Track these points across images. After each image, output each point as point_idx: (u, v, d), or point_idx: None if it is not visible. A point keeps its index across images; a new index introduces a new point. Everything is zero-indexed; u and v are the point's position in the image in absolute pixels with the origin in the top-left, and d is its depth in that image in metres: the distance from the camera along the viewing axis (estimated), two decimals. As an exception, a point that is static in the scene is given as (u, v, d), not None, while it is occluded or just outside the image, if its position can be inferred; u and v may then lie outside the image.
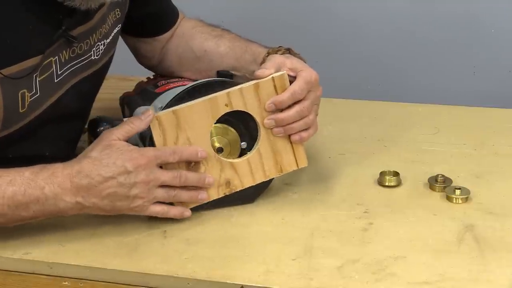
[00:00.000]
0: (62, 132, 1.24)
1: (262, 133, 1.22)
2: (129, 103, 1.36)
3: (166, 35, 1.46)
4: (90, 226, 1.20)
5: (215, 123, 1.21)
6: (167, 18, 1.46)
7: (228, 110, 1.19)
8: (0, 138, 1.19)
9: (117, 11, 1.35)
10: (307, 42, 2.32)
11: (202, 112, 1.18)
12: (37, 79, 1.17)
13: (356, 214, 1.23)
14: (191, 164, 1.19)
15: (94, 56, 1.29)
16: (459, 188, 1.27)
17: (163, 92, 1.32)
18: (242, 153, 1.24)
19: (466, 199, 1.26)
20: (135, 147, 1.15)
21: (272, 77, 1.20)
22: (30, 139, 1.22)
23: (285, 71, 1.21)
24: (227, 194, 1.22)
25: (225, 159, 1.21)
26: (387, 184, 1.31)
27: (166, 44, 1.46)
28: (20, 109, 1.17)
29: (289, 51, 1.32)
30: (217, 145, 1.22)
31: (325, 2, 2.36)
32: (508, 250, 1.13)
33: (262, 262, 1.11)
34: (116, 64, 1.41)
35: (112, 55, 1.38)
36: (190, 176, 1.18)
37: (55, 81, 1.22)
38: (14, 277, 1.13)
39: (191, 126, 1.18)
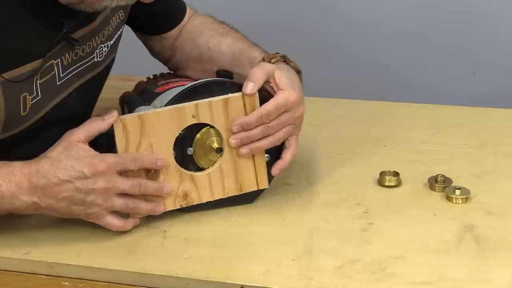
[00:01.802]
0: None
1: (225, 150, 1.21)
2: (129, 103, 1.36)
3: (174, 32, 1.46)
4: (89, 226, 1.19)
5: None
6: (173, 16, 1.46)
7: (194, 121, 1.19)
8: (2, 140, 1.18)
9: (121, 12, 1.34)
10: (307, 42, 2.33)
11: (168, 121, 1.17)
12: (38, 81, 1.17)
13: (356, 214, 1.23)
14: (151, 172, 1.18)
15: (97, 58, 1.29)
16: (459, 188, 1.27)
17: (162, 92, 1.32)
18: None
19: (466, 199, 1.26)
20: (96, 152, 1.14)
21: (243, 93, 1.20)
22: (32, 141, 1.22)
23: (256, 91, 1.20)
24: (183, 206, 1.21)
25: (185, 171, 1.21)
26: (387, 184, 1.31)
27: (176, 41, 1.46)
28: (21, 112, 1.17)
29: (284, 58, 1.31)
30: (216, 145, 1.22)
31: (326, 2, 2.36)
32: (508, 250, 1.13)
33: (262, 262, 1.11)
34: (116, 64, 1.41)
35: (114, 57, 1.38)
36: (150, 185, 1.17)
37: (58, 83, 1.21)
38: (14, 277, 1.13)
39: (155, 133, 1.17)
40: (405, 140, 1.49)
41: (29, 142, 1.22)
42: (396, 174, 1.32)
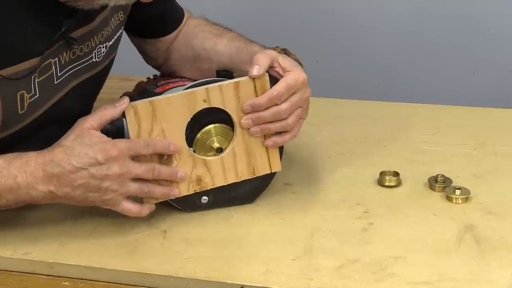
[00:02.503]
0: (63, 133, 1.24)
1: (238, 133, 1.21)
2: (129, 103, 1.36)
3: (170, 36, 1.46)
4: (90, 225, 1.20)
5: (216, 123, 1.21)
6: (171, 20, 1.46)
7: (205, 106, 1.19)
8: (1, 139, 1.19)
9: (120, 13, 1.35)
10: (307, 42, 2.33)
11: (179, 106, 1.18)
12: (36, 80, 1.17)
13: (356, 214, 1.23)
14: (164, 158, 1.18)
15: (95, 59, 1.29)
16: (459, 188, 1.27)
17: (163, 92, 1.32)
18: None
19: (466, 199, 1.26)
20: (108, 138, 1.14)
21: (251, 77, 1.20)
22: (31, 140, 1.22)
23: (266, 73, 1.21)
24: (197, 191, 1.21)
25: (198, 156, 1.21)
26: (387, 184, 1.31)
27: (171, 44, 1.46)
28: (19, 110, 1.17)
29: (285, 51, 1.31)
30: (216, 145, 1.22)
31: (326, 3, 2.36)
32: (508, 250, 1.14)
33: (262, 262, 1.11)
34: (116, 64, 1.41)
35: (113, 58, 1.38)
36: (163, 170, 1.17)
37: (55, 82, 1.22)
38: (14, 277, 1.13)
39: (167, 118, 1.17)
40: (405, 140, 1.49)
41: (28, 141, 1.22)
42: (396, 174, 1.32)
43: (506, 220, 1.21)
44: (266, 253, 1.13)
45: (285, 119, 1.22)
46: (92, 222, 1.21)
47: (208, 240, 1.17)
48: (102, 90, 1.41)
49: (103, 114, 1.15)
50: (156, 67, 1.51)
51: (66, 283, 1.12)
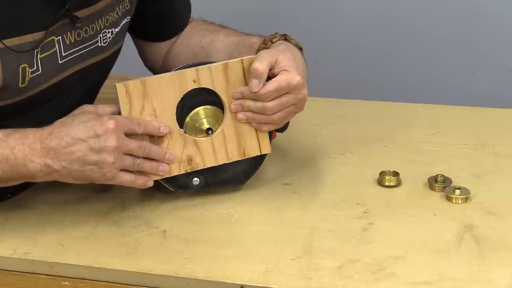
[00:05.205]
0: (61, 114, 1.24)
1: (227, 114, 1.24)
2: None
3: (173, 38, 1.46)
4: (89, 226, 1.20)
5: (205, 105, 1.23)
6: (177, 21, 1.47)
7: (195, 86, 1.21)
8: None
9: (126, 2, 1.35)
10: (307, 42, 2.33)
11: (170, 85, 1.20)
12: (38, 55, 1.18)
13: (356, 214, 1.23)
14: (155, 137, 1.20)
15: (101, 43, 1.30)
16: (459, 188, 1.27)
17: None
18: None
19: (466, 199, 1.26)
20: (105, 114, 1.17)
21: (242, 59, 1.22)
22: (27, 115, 1.23)
23: (254, 56, 1.22)
24: (188, 171, 1.23)
25: (188, 136, 1.23)
26: (387, 184, 1.31)
27: (170, 47, 1.47)
28: (20, 83, 1.18)
29: (284, 37, 1.32)
30: (206, 126, 1.23)
31: (326, 2, 2.36)
32: (508, 250, 1.13)
33: (262, 262, 1.11)
34: (116, 64, 1.41)
35: (120, 48, 1.38)
36: (153, 149, 1.19)
37: (59, 62, 1.23)
38: (14, 277, 1.13)
39: (158, 97, 1.19)
40: (405, 140, 1.48)
41: (23, 116, 1.23)
42: (396, 174, 1.32)
43: (506, 220, 1.21)
44: (265, 253, 1.13)
45: (269, 115, 1.23)
46: (92, 222, 1.21)
47: (208, 239, 1.17)
48: (102, 90, 1.41)
49: (102, 106, 1.19)
50: (154, 70, 1.51)
51: (66, 283, 1.12)
